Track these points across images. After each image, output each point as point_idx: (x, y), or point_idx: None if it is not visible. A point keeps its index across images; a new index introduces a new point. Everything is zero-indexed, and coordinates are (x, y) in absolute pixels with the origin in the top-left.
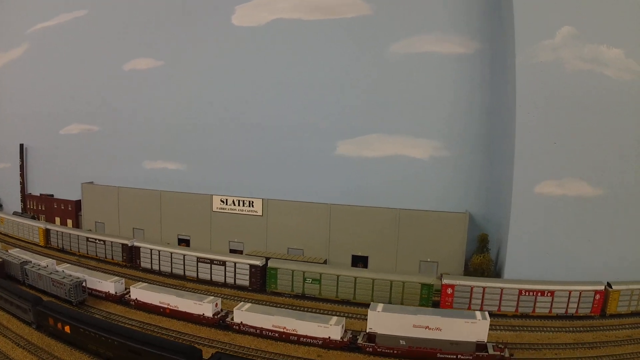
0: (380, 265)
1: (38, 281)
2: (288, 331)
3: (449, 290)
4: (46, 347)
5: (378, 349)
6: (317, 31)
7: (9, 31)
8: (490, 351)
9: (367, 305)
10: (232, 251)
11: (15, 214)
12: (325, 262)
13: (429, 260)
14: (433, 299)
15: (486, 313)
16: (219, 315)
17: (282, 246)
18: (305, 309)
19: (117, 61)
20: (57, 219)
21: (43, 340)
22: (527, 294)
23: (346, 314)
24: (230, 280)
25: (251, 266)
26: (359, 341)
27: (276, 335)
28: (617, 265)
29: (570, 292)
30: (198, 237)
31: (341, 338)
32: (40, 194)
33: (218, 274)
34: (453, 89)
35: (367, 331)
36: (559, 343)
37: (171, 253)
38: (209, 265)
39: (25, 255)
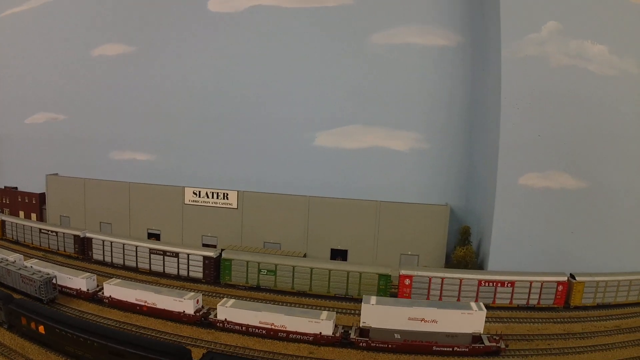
0: (359, 258)
1: (6, 277)
2: (277, 327)
3: (407, 281)
4: (19, 348)
5: (372, 344)
6: (296, 19)
7: None
8: (486, 342)
9: (328, 297)
10: (205, 246)
11: None
12: (304, 257)
13: (409, 253)
14: (391, 290)
15: (481, 304)
16: (200, 313)
17: (259, 240)
18: (285, 304)
19: (86, 47)
20: (21, 213)
21: (15, 341)
22: (486, 284)
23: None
24: (183, 273)
25: (205, 257)
26: (352, 336)
27: (264, 332)
28: (600, 255)
29: (531, 282)
30: (169, 231)
31: (333, 333)
32: (5, 187)
33: (171, 266)
34: (434, 82)
35: (360, 325)
36: (549, 334)
37: (123, 244)
38: (161, 257)
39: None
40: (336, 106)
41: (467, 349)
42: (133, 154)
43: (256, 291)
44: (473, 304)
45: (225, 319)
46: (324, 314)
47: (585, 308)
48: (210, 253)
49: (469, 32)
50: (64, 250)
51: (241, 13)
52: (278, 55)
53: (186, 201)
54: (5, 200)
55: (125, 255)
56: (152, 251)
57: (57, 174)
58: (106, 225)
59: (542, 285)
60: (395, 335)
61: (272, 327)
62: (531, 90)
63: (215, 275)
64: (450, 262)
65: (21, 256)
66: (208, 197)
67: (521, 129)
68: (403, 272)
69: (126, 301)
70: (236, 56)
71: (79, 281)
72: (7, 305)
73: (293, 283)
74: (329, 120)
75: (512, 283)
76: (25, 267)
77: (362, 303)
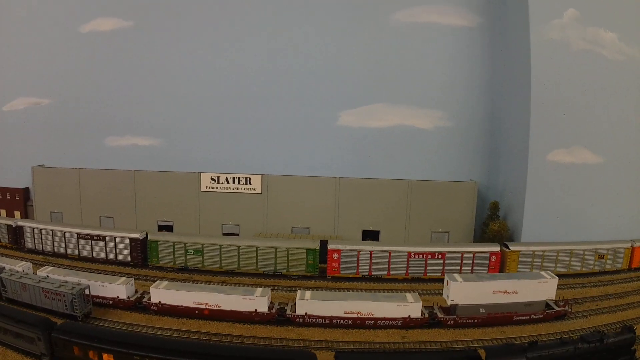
0: (391, 239)
1: (22, 293)
2: (363, 316)
3: (335, 256)
4: None
5: (459, 321)
6: None
7: None
8: (555, 308)
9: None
10: (226, 235)
11: None
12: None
13: (440, 230)
14: (319, 265)
15: (551, 272)
16: (274, 309)
17: (286, 226)
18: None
19: (72, 22)
20: (3, 212)
21: None
22: (416, 256)
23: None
24: (111, 256)
25: (131, 240)
26: (439, 315)
27: (349, 322)
28: (619, 224)
29: (462, 254)
30: (183, 222)
31: (422, 315)
32: None
33: (99, 250)
34: (455, 61)
35: (449, 304)
36: (591, 296)
37: (52, 231)
38: (89, 241)
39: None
40: (359, 84)
41: (541, 315)
42: (133, 138)
43: (184, 272)
44: (543, 273)
45: (306, 313)
46: (409, 296)
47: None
48: (136, 235)
49: (488, 13)
50: None
51: None
52: (298, 30)
53: (203, 188)
54: None
55: (55, 242)
56: (79, 236)
57: (42, 165)
58: (107, 219)
59: (474, 256)
60: (481, 309)
61: (358, 315)
62: (556, 72)
63: (143, 257)
64: (484, 237)
65: (29, 264)
66: (228, 182)
67: (549, 108)
68: (331, 246)
69: (181, 306)
70: (253, 29)
71: (116, 288)
72: (50, 333)
73: (221, 262)
74: (352, 99)
75: (443, 255)
76: (45, 278)
77: (449, 281)
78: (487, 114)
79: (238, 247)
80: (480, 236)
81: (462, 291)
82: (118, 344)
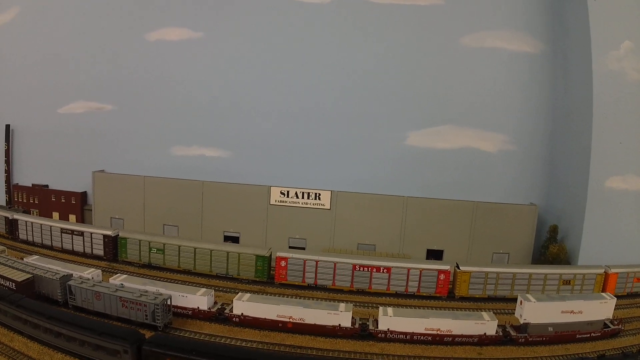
0: (454, 258)
1: (94, 302)
2: (442, 333)
3: (283, 263)
4: None
5: (530, 339)
6: (387, 15)
7: None
8: (611, 326)
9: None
10: (292, 248)
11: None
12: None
13: (501, 251)
14: (270, 271)
15: (611, 294)
16: (357, 324)
17: (352, 242)
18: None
19: (139, 30)
20: (56, 214)
21: None
22: (361, 269)
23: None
24: (88, 250)
25: (104, 236)
26: (512, 334)
27: (429, 338)
28: None
29: (409, 270)
30: (250, 233)
31: (496, 333)
32: (33, 185)
33: (78, 244)
34: (518, 85)
35: (522, 322)
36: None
37: (41, 225)
38: (70, 235)
39: (53, 265)
40: (427, 106)
41: (599, 334)
42: (201, 149)
43: (147, 269)
44: (604, 294)
45: (388, 329)
46: (484, 315)
47: (475, 299)
48: (109, 232)
49: (551, 41)
50: None
51: (328, 5)
52: (368, 51)
53: (272, 201)
54: (34, 200)
55: (43, 235)
56: (62, 230)
57: (103, 170)
58: (171, 228)
59: (421, 273)
60: (549, 328)
61: (439, 332)
62: (615, 101)
63: (114, 252)
64: (543, 260)
65: (99, 272)
66: (297, 197)
67: (608, 136)
68: (279, 254)
69: (265, 318)
70: (326, 47)
71: (196, 299)
72: (141, 346)
73: (179, 262)
74: (420, 120)
75: (389, 269)
76: (120, 286)
77: (523, 301)
78: (547, 138)
79: (194, 248)
80: (539, 258)
81: (534, 311)
82: (217, 357)
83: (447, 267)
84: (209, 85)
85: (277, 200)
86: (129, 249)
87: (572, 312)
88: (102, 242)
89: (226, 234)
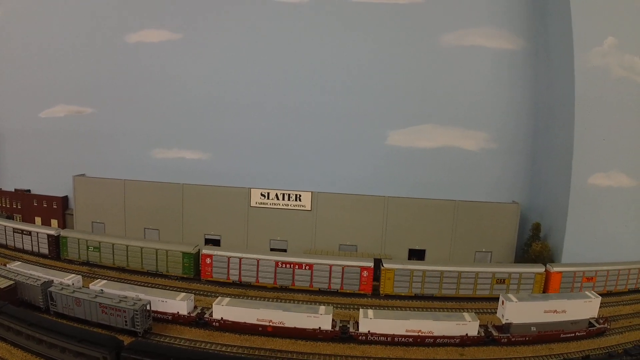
0: (437, 258)
1: (74, 308)
2: (423, 334)
3: (208, 260)
4: None
5: (512, 339)
6: (367, 13)
7: None
8: (596, 325)
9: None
10: (273, 250)
11: None
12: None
13: (483, 250)
14: (198, 268)
15: (595, 293)
16: (337, 327)
17: (334, 243)
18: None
19: (118, 32)
20: (38, 219)
21: None
22: (284, 266)
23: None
24: (35, 249)
25: (48, 235)
26: (494, 334)
27: (410, 340)
28: None
29: (331, 267)
30: (231, 236)
31: (478, 333)
32: (15, 190)
33: (27, 243)
34: (500, 84)
35: (504, 322)
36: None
37: None
38: (20, 235)
39: (35, 272)
40: (408, 105)
41: (585, 332)
42: (181, 152)
43: (87, 266)
44: (588, 293)
45: (369, 331)
46: (466, 315)
47: (402, 297)
48: (52, 231)
49: (532, 38)
50: None
51: (306, 3)
52: (348, 49)
53: (252, 203)
54: (16, 205)
55: None
56: (15, 230)
57: (84, 174)
58: (152, 231)
59: (343, 270)
60: (532, 328)
61: (419, 334)
62: (598, 98)
63: (57, 251)
64: (526, 257)
65: (79, 277)
66: (278, 198)
67: (590, 133)
68: (204, 251)
69: (245, 322)
70: (302, 46)
71: (176, 304)
72: (118, 352)
73: (114, 259)
74: (401, 119)
75: (310, 266)
76: (100, 292)
77: (504, 301)
78: (530, 136)
79: (127, 246)
80: (522, 256)
81: (516, 310)
82: None
83: (369, 264)
84: (187, 87)
85: (257, 202)
86: (69, 247)
87: (555, 311)
88: (46, 241)
89: (207, 236)
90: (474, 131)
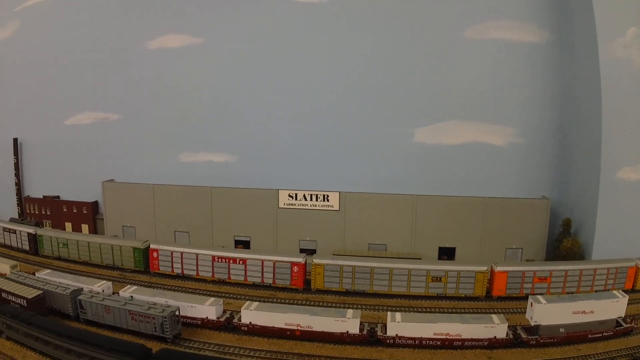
0: (467, 256)
1: (104, 316)
2: (451, 337)
3: (155, 254)
4: None
5: (541, 340)
6: (389, 10)
7: None
8: (623, 324)
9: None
10: (303, 251)
11: (12, 220)
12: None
13: (514, 247)
14: (147, 261)
15: (622, 292)
16: (365, 331)
17: (363, 242)
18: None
19: (140, 38)
20: (68, 225)
21: None
22: (220, 260)
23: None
24: (19, 245)
25: (28, 234)
26: (523, 336)
27: (438, 343)
28: None
29: (262, 262)
30: (260, 237)
31: (507, 336)
32: (44, 196)
33: (13, 240)
34: (525, 76)
35: (533, 324)
36: None
37: None
38: (9, 233)
39: (64, 279)
40: (433, 102)
41: (612, 333)
42: (208, 155)
43: (58, 260)
44: (616, 292)
45: (396, 334)
46: (494, 317)
47: (334, 292)
48: (31, 230)
49: (556, 30)
50: None
51: (327, 2)
52: (371, 48)
53: (281, 205)
54: (46, 211)
55: None
56: (4, 229)
57: (112, 180)
58: (183, 234)
59: (274, 265)
60: (560, 329)
61: (447, 337)
62: (624, 90)
63: (36, 247)
64: (556, 254)
65: (110, 284)
66: (306, 199)
67: (618, 126)
68: (152, 246)
69: (273, 327)
70: (325, 48)
71: (205, 309)
72: None
73: (79, 254)
74: (426, 116)
75: (244, 261)
76: (129, 299)
77: (533, 303)
78: (557, 129)
79: (88, 242)
80: (553, 252)
81: (545, 312)
82: None
83: (300, 260)
84: (212, 90)
85: (285, 204)
86: (44, 244)
87: (583, 312)
88: (27, 239)
89: (237, 238)
90: (500, 126)
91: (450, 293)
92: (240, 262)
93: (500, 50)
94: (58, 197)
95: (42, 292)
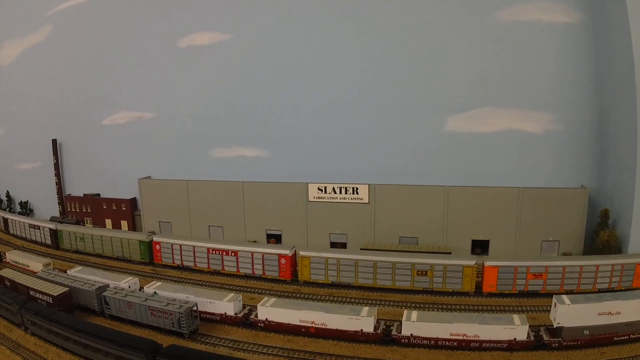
0: (501, 249)
1: (127, 311)
2: (468, 338)
3: (157, 247)
4: None
5: (564, 343)
6: None
7: (26, 15)
8: None
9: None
10: (333, 245)
11: (53, 219)
12: (449, 253)
13: (550, 239)
14: (152, 253)
15: None
16: (380, 330)
17: (394, 235)
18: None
19: (170, 37)
20: (108, 222)
21: None
22: (214, 252)
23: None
24: (43, 240)
25: (50, 229)
26: (545, 338)
27: (454, 344)
28: None
29: (252, 253)
30: (291, 231)
31: (527, 337)
32: (84, 195)
33: (37, 235)
34: (560, 59)
35: (555, 326)
36: None
37: (17, 222)
38: (33, 229)
39: (93, 276)
40: (465, 88)
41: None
42: (240, 150)
43: (76, 253)
44: None
45: (411, 334)
46: (515, 317)
47: (321, 285)
48: (52, 226)
49: (589, 9)
50: None
51: None
52: (401, 36)
53: (310, 198)
54: (86, 209)
55: (21, 230)
56: (30, 226)
57: (149, 177)
58: (216, 228)
59: (263, 256)
60: (585, 331)
61: (464, 337)
62: None
63: (57, 242)
64: (594, 247)
65: (137, 279)
66: (335, 192)
67: None
68: (154, 239)
69: (288, 324)
70: (353, 36)
71: (223, 305)
72: (155, 357)
73: (93, 247)
74: (459, 104)
75: (236, 253)
76: (153, 295)
77: (557, 304)
78: (596, 114)
79: (101, 236)
80: (591, 245)
81: (569, 313)
82: None
83: (287, 252)
84: (244, 86)
85: (315, 197)
86: (64, 239)
87: (609, 313)
88: (49, 234)
89: (268, 232)
90: (537, 112)
91: (437, 288)
92: (232, 254)
93: (534, 32)
94: (98, 194)
95: (68, 289)
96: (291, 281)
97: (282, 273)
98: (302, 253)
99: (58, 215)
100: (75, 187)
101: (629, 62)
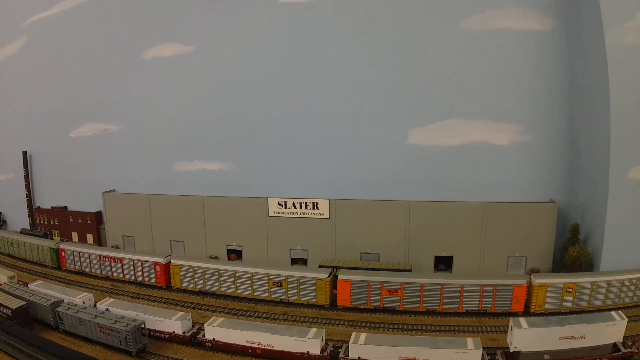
0: (465, 265)
1: (78, 327)
2: None
3: (63, 254)
4: None
5: None
6: (379, 4)
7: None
8: (622, 349)
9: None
10: (294, 260)
11: (23, 231)
12: (409, 270)
13: (517, 255)
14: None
15: (621, 312)
16: (327, 352)
17: (355, 251)
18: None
19: (135, 49)
20: (74, 234)
21: None
22: (104, 259)
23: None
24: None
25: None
26: None
27: None
28: None
29: (133, 260)
30: (251, 246)
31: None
32: (52, 207)
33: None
34: (530, 69)
35: (512, 350)
36: None
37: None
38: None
39: (52, 290)
40: (429, 100)
41: (608, 359)
42: (202, 163)
43: (9, 257)
44: (614, 314)
45: (359, 357)
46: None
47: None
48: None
49: (561, 15)
50: None
51: (315, 1)
52: (362, 45)
53: (270, 213)
54: (54, 222)
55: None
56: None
57: (114, 190)
58: (178, 243)
59: (142, 264)
60: (545, 356)
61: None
62: (635, 79)
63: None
64: (563, 263)
65: (91, 295)
66: (295, 207)
67: (629, 120)
68: (61, 246)
69: (235, 344)
70: (314, 46)
71: (172, 323)
72: None
73: (19, 252)
74: (422, 116)
75: (121, 260)
76: (103, 312)
77: (513, 327)
78: (566, 126)
79: (24, 242)
80: (560, 261)
81: (526, 337)
82: None
83: (160, 260)
84: (204, 98)
85: (275, 212)
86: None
87: (572, 337)
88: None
89: (229, 247)
90: (504, 123)
91: (292, 299)
92: (118, 260)
93: (504, 41)
94: (66, 207)
95: (25, 302)
96: (166, 287)
97: (158, 279)
98: (173, 261)
99: (28, 228)
100: (45, 200)
101: (603, 70)
